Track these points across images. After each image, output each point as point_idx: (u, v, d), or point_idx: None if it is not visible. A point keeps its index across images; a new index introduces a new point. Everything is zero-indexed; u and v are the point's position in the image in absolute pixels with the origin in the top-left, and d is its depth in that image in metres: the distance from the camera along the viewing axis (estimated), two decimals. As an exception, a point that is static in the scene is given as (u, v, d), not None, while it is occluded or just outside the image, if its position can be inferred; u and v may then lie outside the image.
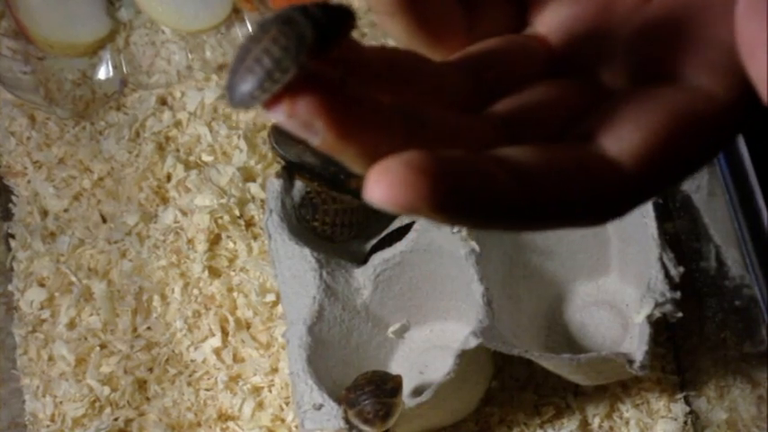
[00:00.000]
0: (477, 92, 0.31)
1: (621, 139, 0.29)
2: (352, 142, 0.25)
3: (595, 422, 0.58)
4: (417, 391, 0.54)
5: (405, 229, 0.58)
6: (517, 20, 0.34)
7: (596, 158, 0.28)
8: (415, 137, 0.27)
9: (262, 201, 0.62)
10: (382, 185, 0.24)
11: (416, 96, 0.29)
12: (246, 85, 0.25)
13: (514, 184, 0.26)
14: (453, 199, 0.25)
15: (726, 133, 0.30)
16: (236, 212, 0.62)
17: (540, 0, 0.34)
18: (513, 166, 0.26)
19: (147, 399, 0.59)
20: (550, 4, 0.34)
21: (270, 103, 0.24)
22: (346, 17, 0.26)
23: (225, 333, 0.60)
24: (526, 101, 0.31)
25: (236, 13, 0.65)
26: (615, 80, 0.31)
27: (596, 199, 0.28)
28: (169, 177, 0.63)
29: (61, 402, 0.58)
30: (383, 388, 0.52)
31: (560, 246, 0.60)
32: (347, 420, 0.53)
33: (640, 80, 0.31)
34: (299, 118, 0.25)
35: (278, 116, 0.25)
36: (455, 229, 0.57)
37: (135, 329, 0.60)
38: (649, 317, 0.52)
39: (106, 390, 0.58)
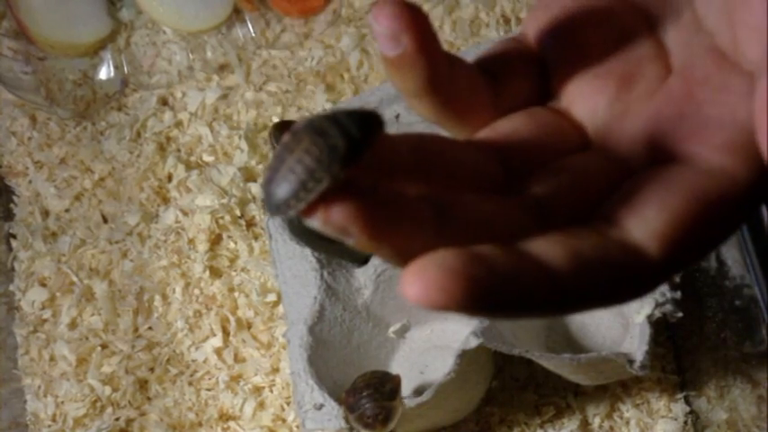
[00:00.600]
0: (507, 173, 0.31)
1: (646, 223, 0.29)
2: (386, 243, 0.26)
3: (596, 422, 0.58)
4: (418, 391, 0.53)
5: None
6: (541, 91, 0.34)
7: (621, 246, 0.28)
8: (447, 229, 0.27)
9: (261, 202, 0.63)
10: (417, 287, 0.24)
11: (446, 181, 0.30)
12: (282, 195, 0.26)
13: (543, 285, 0.26)
14: (484, 301, 0.25)
15: (746, 209, 0.30)
16: (237, 212, 0.61)
17: (563, 73, 0.34)
18: (541, 265, 0.27)
19: (149, 398, 0.59)
20: (574, 78, 0.34)
21: (305, 212, 0.25)
22: (375, 124, 0.26)
23: (226, 333, 0.60)
24: (556, 183, 0.31)
25: (236, 14, 0.64)
26: (637, 158, 0.32)
27: (621, 287, 0.28)
28: (170, 177, 0.63)
29: (62, 402, 0.58)
30: (382, 390, 0.52)
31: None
32: (348, 422, 0.53)
33: (660, 159, 0.31)
34: (334, 224, 0.25)
35: (313, 222, 0.25)
36: None
37: (136, 329, 0.60)
38: (649, 317, 0.52)
39: (107, 390, 0.58)
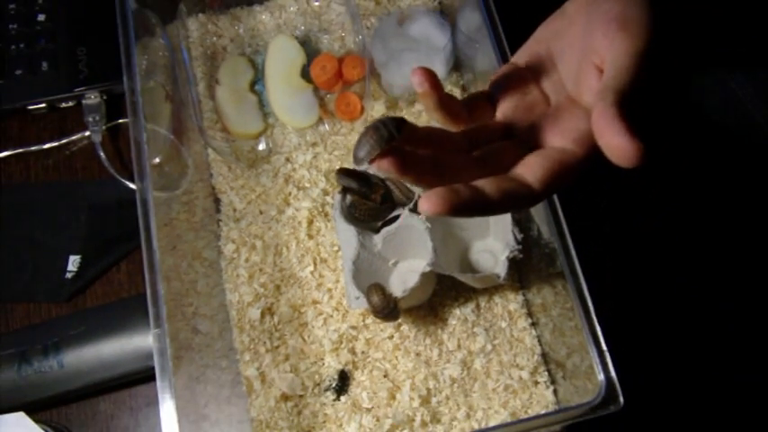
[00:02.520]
0: (471, 146, 0.35)
1: (534, 173, 0.32)
2: (407, 176, 0.32)
3: (482, 304, 0.60)
4: (404, 291, 0.55)
5: (396, 218, 0.58)
6: (492, 112, 0.38)
7: (523, 185, 0.32)
8: (438, 170, 0.32)
9: (331, 204, 0.63)
10: (427, 205, 0.30)
11: (441, 149, 0.34)
12: (360, 154, 0.31)
13: (481, 202, 0.31)
14: (455, 210, 0.30)
15: (581, 170, 0.33)
16: (320, 209, 0.63)
17: (500, 104, 0.37)
18: (483, 193, 0.31)
19: (280, 294, 0.61)
20: (504, 105, 0.37)
21: (371, 162, 0.31)
22: (403, 123, 0.32)
23: (315, 264, 0.62)
24: (491, 150, 0.35)
25: (320, 119, 0.66)
26: (534, 143, 0.35)
27: (519, 203, 0.32)
28: (290, 193, 0.64)
29: (242, 295, 0.61)
30: (384, 291, 0.54)
31: (468, 223, 0.59)
32: (369, 305, 0.54)
33: (544, 144, 0.35)
34: (383, 169, 0.31)
35: (374, 169, 0.31)
36: (421, 216, 0.56)
37: (275, 263, 0.62)
38: (507, 256, 0.55)
39: (261, 289, 0.61)
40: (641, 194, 0.62)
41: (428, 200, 0.30)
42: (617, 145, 0.29)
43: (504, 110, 0.36)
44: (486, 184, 0.31)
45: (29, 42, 0.70)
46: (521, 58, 0.38)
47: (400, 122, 0.31)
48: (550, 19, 0.38)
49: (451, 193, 0.30)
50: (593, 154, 0.32)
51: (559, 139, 0.33)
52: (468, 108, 0.36)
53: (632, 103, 0.30)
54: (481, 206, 0.31)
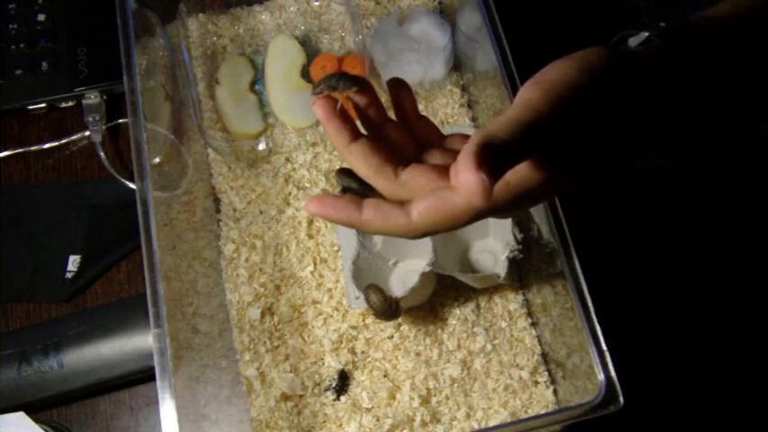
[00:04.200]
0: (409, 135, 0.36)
1: (418, 205, 0.32)
2: (327, 126, 0.32)
3: (482, 304, 0.60)
4: (404, 291, 0.55)
5: None
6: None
7: (403, 215, 0.32)
8: (377, 141, 0.33)
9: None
10: (309, 205, 0.31)
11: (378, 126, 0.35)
12: (315, 90, 0.34)
13: (357, 222, 0.31)
14: (331, 220, 0.32)
15: (466, 218, 0.31)
16: None
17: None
18: (359, 211, 0.32)
19: (280, 294, 0.61)
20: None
21: (314, 99, 0.33)
22: (352, 83, 0.33)
23: (315, 264, 0.61)
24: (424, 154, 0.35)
25: None
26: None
27: (396, 232, 0.32)
28: (290, 193, 0.64)
29: (242, 295, 0.61)
30: (384, 293, 0.54)
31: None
32: (368, 304, 0.54)
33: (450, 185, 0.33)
34: (315, 110, 0.32)
35: (316, 110, 0.32)
36: None
37: (275, 263, 0.62)
38: (507, 256, 0.55)
39: (261, 289, 0.61)
40: (641, 194, 0.62)
41: (310, 201, 0.32)
42: (465, 180, 0.28)
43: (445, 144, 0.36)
44: (368, 203, 0.32)
45: (29, 42, 0.70)
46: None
47: (353, 81, 0.33)
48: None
49: (331, 200, 0.31)
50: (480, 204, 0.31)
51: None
52: (420, 117, 0.36)
53: (512, 153, 0.29)
54: (354, 222, 0.32)
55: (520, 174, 0.31)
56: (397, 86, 0.35)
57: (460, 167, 0.28)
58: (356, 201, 0.32)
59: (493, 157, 0.28)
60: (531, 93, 0.31)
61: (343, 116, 0.33)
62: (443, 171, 0.33)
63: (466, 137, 0.36)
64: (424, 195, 0.32)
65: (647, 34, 0.36)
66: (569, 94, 0.31)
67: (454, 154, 0.35)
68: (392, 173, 0.33)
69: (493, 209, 0.32)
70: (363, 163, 0.33)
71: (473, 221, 0.32)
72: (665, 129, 0.34)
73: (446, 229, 0.32)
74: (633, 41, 0.37)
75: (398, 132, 0.35)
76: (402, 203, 0.32)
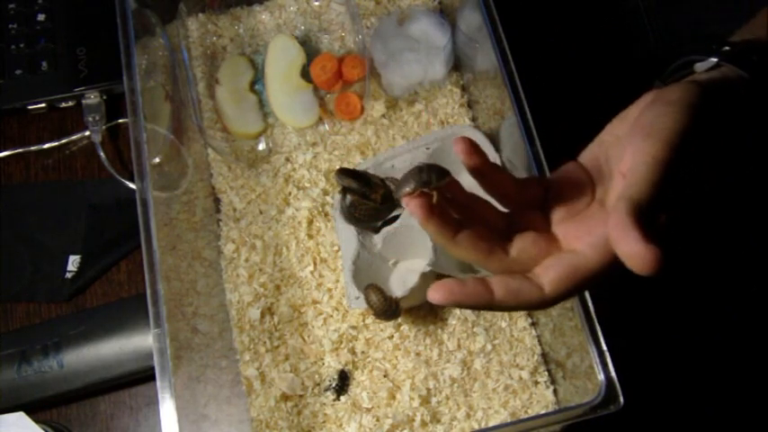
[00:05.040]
0: (508, 230, 0.34)
1: (546, 276, 0.32)
2: (429, 225, 0.32)
3: None
4: (404, 291, 0.55)
5: (396, 218, 0.58)
6: (541, 197, 0.36)
7: (532, 285, 0.32)
8: (462, 226, 0.33)
9: (331, 204, 0.63)
10: (434, 294, 0.31)
11: (476, 220, 0.34)
12: (399, 191, 0.33)
13: (487, 299, 0.31)
14: (460, 304, 0.31)
15: (596, 278, 0.32)
16: (320, 209, 0.63)
17: (552, 200, 0.36)
18: (489, 290, 0.31)
19: (280, 294, 0.61)
20: (554, 199, 0.36)
21: (402, 197, 0.32)
22: (444, 175, 0.32)
23: (315, 264, 0.61)
24: (522, 243, 0.34)
25: (320, 118, 0.66)
26: (561, 242, 0.35)
27: (527, 305, 0.32)
28: (290, 193, 0.64)
29: (242, 295, 0.60)
30: (383, 291, 0.54)
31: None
32: (368, 304, 0.54)
33: (565, 246, 0.34)
34: (410, 209, 0.32)
35: (413, 211, 0.32)
36: None
37: (275, 262, 0.62)
38: None
39: (261, 289, 0.60)
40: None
41: (435, 289, 0.31)
42: (634, 253, 0.28)
43: (552, 204, 0.36)
44: (495, 282, 0.32)
45: (29, 42, 0.70)
46: (584, 158, 0.37)
47: (442, 173, 0.32)
48: (614, 122, 0.37)
49: (459, 287, 0.31)
50: (609, 260, 0.32)
51: (578, 243, 0.33)
52: (518, 185, 0.35)
53: (653, 210, 0.30)
54: (486, 304, 0.32)
55: None
56: (468, 148, 0.33)
57: (623, 240, 0.28)
58: (483, 283, 0.32)
59: (645, 222, 0.29)
60: (652, 148, 0.31)
61: (441, 210, 0.33)
62: (550, 237, 0.34)
63: (537, 180, 0.36)
64: (549, 266, 0.32)
65: (715, 60, 0.37)
66: (682, 141, 0.32)
67: (543, 214, 0.35)
68: (502, 252, 0.33)
69: (616, 265, 0.32)
70: (473, 252, 0.33)
71: (599, 281, 0.32)
72: (735, 157, 0.35)
73: (576, 293, 0.34)
74: (700, 67, 0.38)
75: (484, 205, 0.35)
76: (526, 276, 0.33)
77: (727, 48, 0.37)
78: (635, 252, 0.28)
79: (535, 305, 0.32)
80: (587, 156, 0.36)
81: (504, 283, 0.32)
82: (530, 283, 0.32)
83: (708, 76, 0.37)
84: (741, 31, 0.39)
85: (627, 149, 0.32)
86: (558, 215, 0.35)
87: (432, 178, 0.32)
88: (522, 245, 0.33)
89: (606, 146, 0.36)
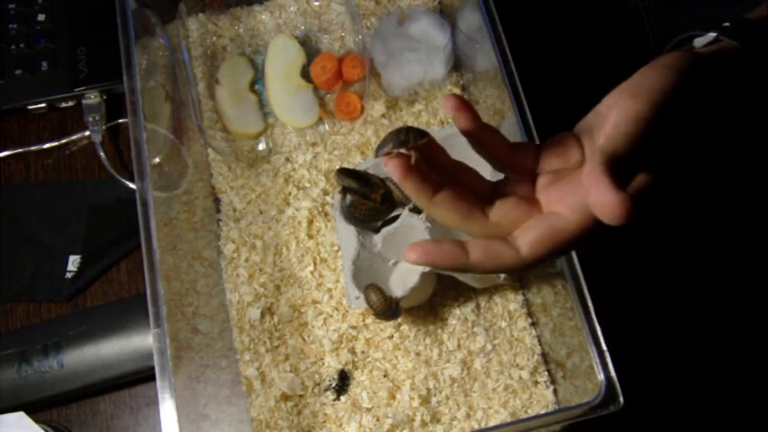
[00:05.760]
0: (493, 197, 0.34)
1: (524, 238, 0.32)
2: (407, 183, 0.32)
3: (482, 304, 0.60)
4: (404, 291, 0.55)
5: (396, 218, 0.58)
6: (535, 162, 0.35)
7: (509, 248, 0.32)
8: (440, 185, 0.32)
9: (331, 204, 0.63)
10: (411, 254, 0.31)
11: (460, 185, 0.34)
12: (378, 150, 0.33)
13: (463, 262, 0.31)
14: (437, 265, 0.31)
15: (577, 241, 0.32)
16: (320, 209, 0.63)
17: (542, 161, 0.35)
18: (466, 253, 0.31)
19: (280, 294, 0.61)
20: (544, 163, 0.35)
21: (379, 155, 0.32)
22: (423, 135, 0.32)
23: (315, 264, 0.61)
24: (504, 208, 0.34)
25: (320, 118, 0.66)
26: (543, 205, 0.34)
27: (505, 267, 0.32)
28: (290, 193, 0.64)
29: (242, 295, 0.60)
30: (383, 291, 0.54)
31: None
32: (368, 304, 0.54)
33: (546, 208, 0.34)
34: (388, 168, 0.32)
35: (391, 170, 0.32)
36: (421, 216, 0.56)
37: (275, 262, 0.62)
38: None
39: (261, 289, 0.60)
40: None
41: (411, 249, 0.31)
42: (603, 201, 0.28)
43: (540, 171, 0.36)
44: (472, 244, 0.32)
45: (29, 42, 0.70)
46: (579, 127, 0.37)
47: (421, 133, 0.32)
48: (612, 92, 0.37)
49: (435, 246, 0.31)
50: (588, 222, 0.32)
51: (559, 205, 0.33)
52: (512, 149, 0.35)
53: (630, 164, 0.30)
54: (461, 265, 0.31)
55: (637, 183, 0.32)
56: (458, 104, 0.33)
57: (594, 189, 0.28)
58: (459, 244, 0.32)
59: (619, 175, 0.28)
60: (635, 105, 0.31)
61: (420, 170, 0.32)
62: (533, 202, 0.33)
63: (534, 148, 0.35)
64: (528, 227, 0.32)
65: (714, 34, 0.36)
66: (667, 101, 0.31)
67: (530, 180, 0.35)
68: (482, 215, 0.33)
69: (597, 230, 0.31)
70: (452, 212, 0.32)
71: (580, 244, 0.32)
72: (730, 122, 0.34)
73: (555, 256, 0.32)
74: (699, 42, 0.37)
75: (470, 172, 0.35)
76: (505, 239, 0.32)
77: (726, 24, 0.36)
78: (605, 200, 0.28)
79: (512, 267, 0.32)
80: (582, 125, 0.36)
81: (481, 244, 0.32)
82: (507, 245, 0.32)
83: (707, 50, 0.37)
84: (749, 15, 0.39)
85: (613, 110, 0.32)
86: (543, 181, 0.35)
87: (410, 138, 0.32)
88: (503, 208, 0.33)
89: (601, 116, 0.36)
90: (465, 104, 0.32)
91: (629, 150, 0.30)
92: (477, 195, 0.34)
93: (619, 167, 0.29)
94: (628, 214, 0.27)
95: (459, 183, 0.34)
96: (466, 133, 0.33)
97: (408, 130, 0.32)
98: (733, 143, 0.35)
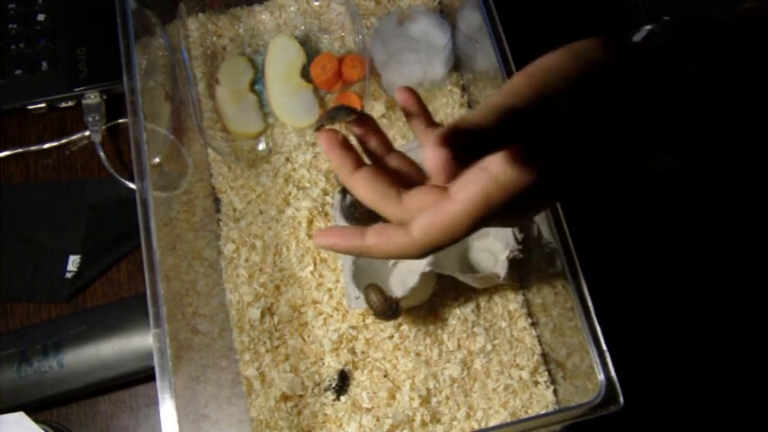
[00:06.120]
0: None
1: (419, 222, 0.32)
2: (331, 155, 0.33)
3: (482, 304, 0.60)
4: (404, 291, 0.55)
5: None
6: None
7: (407, 231, 0.32)
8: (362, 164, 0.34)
9: (331, 204, 0.63)
10: (317, 238, 0.33)
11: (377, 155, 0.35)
12: (317, 124, 0.35)
13: (362, 250, 0.32)
14: (339, 251, 0.32)
15: (468, 227, 0.31)
16: (320, 209, 0.63)
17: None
18: (364, 241, 0.32)
19: (280, 294, 0.61)
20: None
21: (315, 131, 0.34)
22: (349, 113, 0.34)
23: (315, 264, 0.62)
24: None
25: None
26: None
27: (403, 254, 0.32)
28: (290, 193, 0.64)
29: (242, 295, 0.61)
30: (383, 292, 0.54)
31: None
32: (367, 303, 0.54)
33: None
34: (320, 141, 0.34)
35: (321, 142, 0.33)
36: None
37: (274, 262, 0.62)
38: (507, 256, 0.55)
39: (261, 289, 0.61)
40: (642, 194, 0.63)
41: (318, 233, 0.33)
42: (425, 156, 0.28)
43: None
44: (370, 229, 0.32)
45: (29, 42, 0.71)
46: None
47: (349, 111, 0.34)
48: None
49: (337, 230, 0.32)
50: (474, 206, 0.31)
51: (459, 192, 0.32)
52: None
53: (488, 134, 0.29)
54: (357, 249, 0.32)
55: (509, 173, 0.30)
56: (406, 96, 0.34)
57: (425, 144, 0.29)
58: (360, 229, 0.32)
59: (460, 139, 0.27)
60: (516, 79, 0.30)
61: (346, 146, 0.33)
62: (443, 189, 0.33)
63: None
64: (423, 213, 0.32)
65: (648, 27, 0.36)
66: (556, 82, 0.30)
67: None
68: (396, 196, 0.33)
69: (487, 215, 0.31)
70: (368, 189, 0.33)
71: (471, 231, 0.31)
72: (671, 123, 0.33)
73: (448, 241, 0.31)
74: (637, 37, 0.37)
75: (403, 161, 0.35)
76: (404, 225, 0.32)
77: (666, 17, 0.36)
78: (427, 157, 0.28)
79: (407, 251, 0.32)
80: None
81: (378, 228, 0.32)
82: (402, 230, 0.32)
83: (642, 43, 0.36)
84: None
85: None
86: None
87: (338, 114, 0.33)
88: (416, 195, 0.33)
89: None
90: (414, 99, 0.33)
91: (484, 120, 0.29)
92: (405, 182, 0.34)
93: (463, 133, 0.28)
94: (443, 171, 0.27)
95: (388, 167, 0.34)
96: (412, 125, 0.35)
97: (339, 109, 0.34)
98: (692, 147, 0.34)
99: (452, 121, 0.28)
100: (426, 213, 0.32)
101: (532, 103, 0.29)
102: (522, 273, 0.61)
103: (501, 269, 0.55)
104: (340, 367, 0.58)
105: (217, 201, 0.65)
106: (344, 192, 0.58)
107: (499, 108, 0.29)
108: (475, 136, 0.28)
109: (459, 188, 0.31)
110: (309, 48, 0.68)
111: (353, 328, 0.59)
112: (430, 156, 0.27)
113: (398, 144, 0.66)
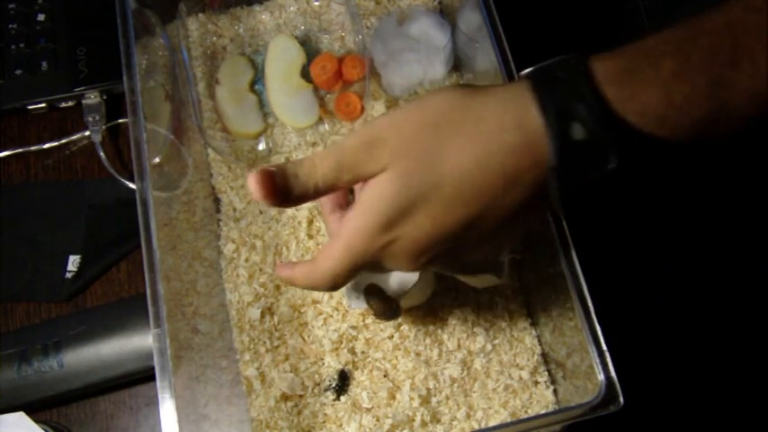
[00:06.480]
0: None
1: (321, 252, 0.36)
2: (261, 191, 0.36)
3: (483, 303, 0.60)
4: (404, 291, 0.54)
5: None
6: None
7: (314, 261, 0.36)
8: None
9: None
10: (279, 271, 0.38)
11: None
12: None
13: (292, 282, 0.39)
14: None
15: (344, 254, 0.36)
16: (320, 209, 0.59)
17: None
18: (294, 275, 0.39)
19: (280, 294, 0.61)
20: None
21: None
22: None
23: None
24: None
25: (320, 119, 0.66)
26: None
27: (309, 282, 0.37)
28: None
29: (242, 295, 0.61)
30: (383, 294, 0.53)
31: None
32: (367, 304, 0.53)
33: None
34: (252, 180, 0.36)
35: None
36: None
37: (275, 262, 0.61)
38: (507, 256, 0.52)
39: (261, 289, 0.61)
40: (642, 195, 0.63)
41: (279, 267, 0.40)
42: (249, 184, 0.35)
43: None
44: (298, 271, 0.37)
45: (29, 42, 0.71)
46: None
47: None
48: None
49: (288, 265, 0.38)
50: (348, 238, 0.35)
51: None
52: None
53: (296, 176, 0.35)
54: (289, 279, 0.38)
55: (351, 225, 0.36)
56: (259, 179, 0.38)
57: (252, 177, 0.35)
58: (295, 264, 0.38)
59: (282, 178, 0.34)
60: (351, 141, 0.36)
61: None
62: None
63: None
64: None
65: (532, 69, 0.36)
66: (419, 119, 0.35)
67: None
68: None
69: (354, 267, 0.35)
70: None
71: (347, 279, 0.37)
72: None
73: (346, 271, 0.36)
74: (526, 72, 0.36)
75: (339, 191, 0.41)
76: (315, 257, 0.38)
77: (562, 57, 0.35)
78: (249, 183, 0.34)
79: (314, 281, 0.36)
80: None
81: (301, 264, 0.37)
82: (311, 262, 0.36)
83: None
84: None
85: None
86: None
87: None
88: (331, 222, 0.39)
89: None
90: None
91: (303, 166, 0.35)
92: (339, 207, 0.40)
93: (287, 174, 0.35)
94: (252, 187, 0.33)
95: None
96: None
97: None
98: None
99: (285, 165, 0.34)
100: (326, 246, 0.36)
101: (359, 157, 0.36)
102: (522, 273, 0.60)
103: (501, 269, 0.53)
104: (340, 367, 0.58)
105: (217, 201, 0.65)
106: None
107: (333, 158, 0.35)
108: (291, 180, 0.35)
109: (324, 248, 0.37)
110: (309, 48, 0.68)
111: (353, 328, 0.59)
112: (249, 181, 0.34)
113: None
